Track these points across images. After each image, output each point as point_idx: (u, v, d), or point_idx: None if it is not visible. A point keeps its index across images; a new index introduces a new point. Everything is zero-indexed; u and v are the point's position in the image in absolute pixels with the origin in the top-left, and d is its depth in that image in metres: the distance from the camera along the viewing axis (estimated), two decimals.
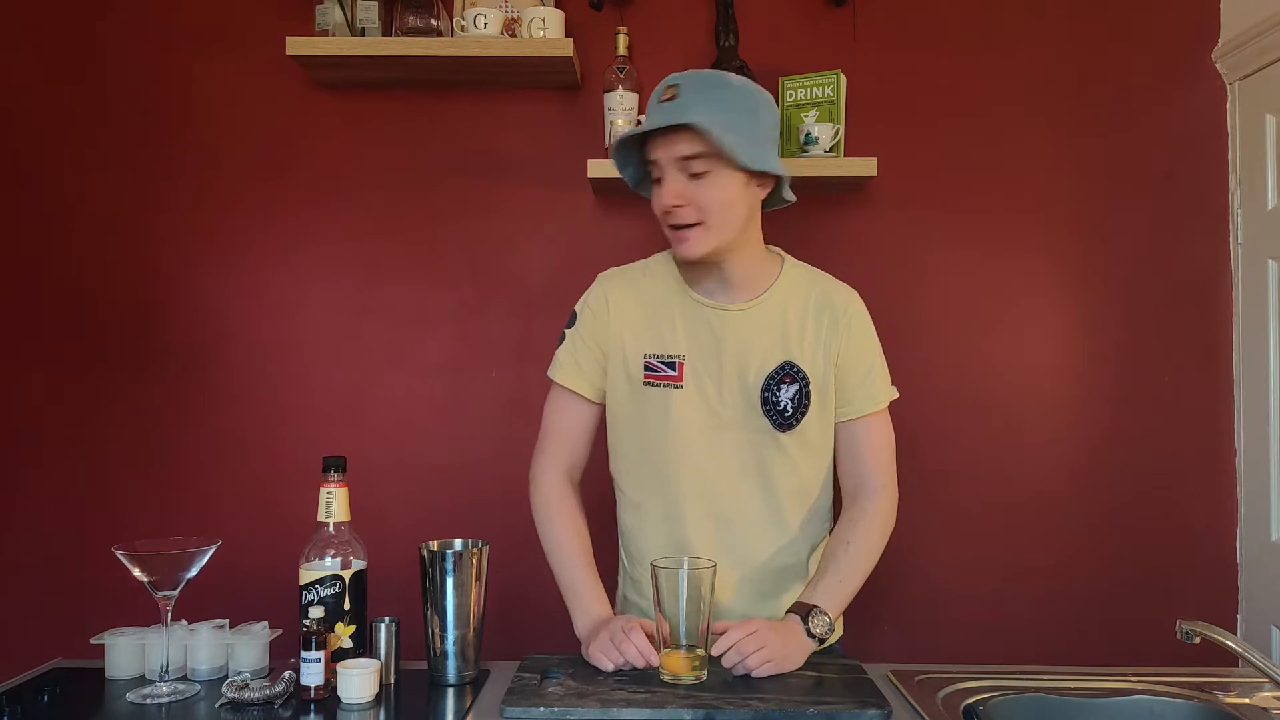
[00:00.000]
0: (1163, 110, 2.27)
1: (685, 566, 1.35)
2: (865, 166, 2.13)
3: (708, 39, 2.27)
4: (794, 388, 1.49)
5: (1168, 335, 2.27)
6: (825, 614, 1.43)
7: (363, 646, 1.42)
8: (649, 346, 1.52)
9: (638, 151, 1.47)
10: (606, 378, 1.56)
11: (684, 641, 1.34)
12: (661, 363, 1.51)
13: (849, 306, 1.55)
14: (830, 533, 1.59)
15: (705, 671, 1.35)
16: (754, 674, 1.36)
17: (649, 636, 1.39)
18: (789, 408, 1.49)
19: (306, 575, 1.41)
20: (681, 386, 1.50)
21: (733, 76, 1.44)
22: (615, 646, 1.38)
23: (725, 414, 1.50)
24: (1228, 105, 2.27)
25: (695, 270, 1.51)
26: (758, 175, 1.44)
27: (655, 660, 1.36)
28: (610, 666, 1.38)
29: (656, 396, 1.51)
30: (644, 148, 1.45)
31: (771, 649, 1.36)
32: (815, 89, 2.19)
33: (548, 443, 1.60)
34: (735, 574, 1.52)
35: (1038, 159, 2.28)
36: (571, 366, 1.57)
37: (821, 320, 1.53)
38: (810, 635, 1.42)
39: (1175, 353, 2.27)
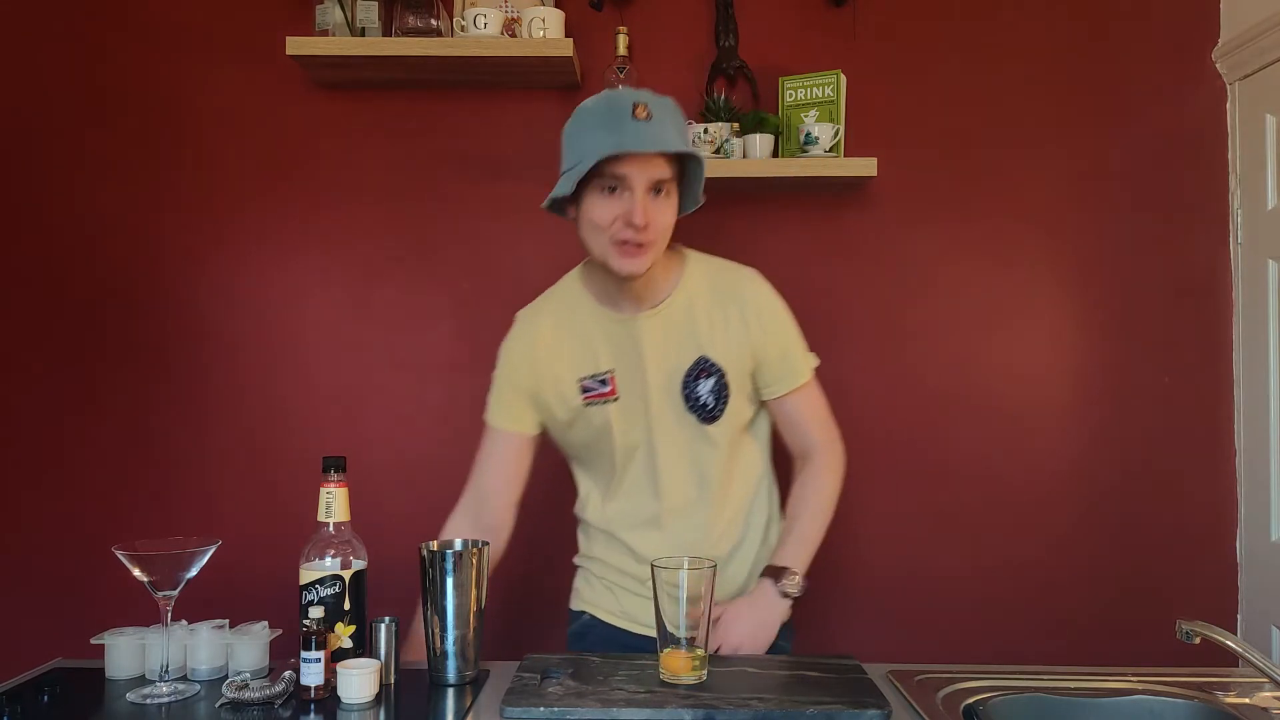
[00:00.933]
0: (1163, 110, 2.28)
1: (685, 567, 1.35)
2: (865, 166, 2.13)
3: (708, 39, 2.27)
4: (711, 380, 1.55)
5: (1168, 335, 2.27)
6: (795, 573, 1.54)
7: (363, 646, 1.42)
8: (581, 369, 1.57)
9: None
10: (539, 411, 1.62)
11: (684, 641, 1.34)
12: (596, 380, 1.57)
13: (755, 294, 1.59)
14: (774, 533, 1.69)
15: (705, 671, 1.35)
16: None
17: None
18: (709, 400, 1.55)
19: (306, 575, 1.41)
20: (617, 399, 1.56)
21: (671, 100, 1.48)
22: None
23: (657, 416, 1.56)
24: (1228, 105, 2.27)
25: (605, 286, 1.56)
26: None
27: None
28: None
29: (597, 413, 1.58)
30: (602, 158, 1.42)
31: (738, 637, 1.48)
32: (815, 89, 2.19)
33: (465, 492, 1.68)
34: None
35: (1037, 159, 2.29)
36: (500, 409, 1.65)
37: (729, 312, 1.56)
38: (785, 595, 1.52)
39: (1175, 353, 2.27)
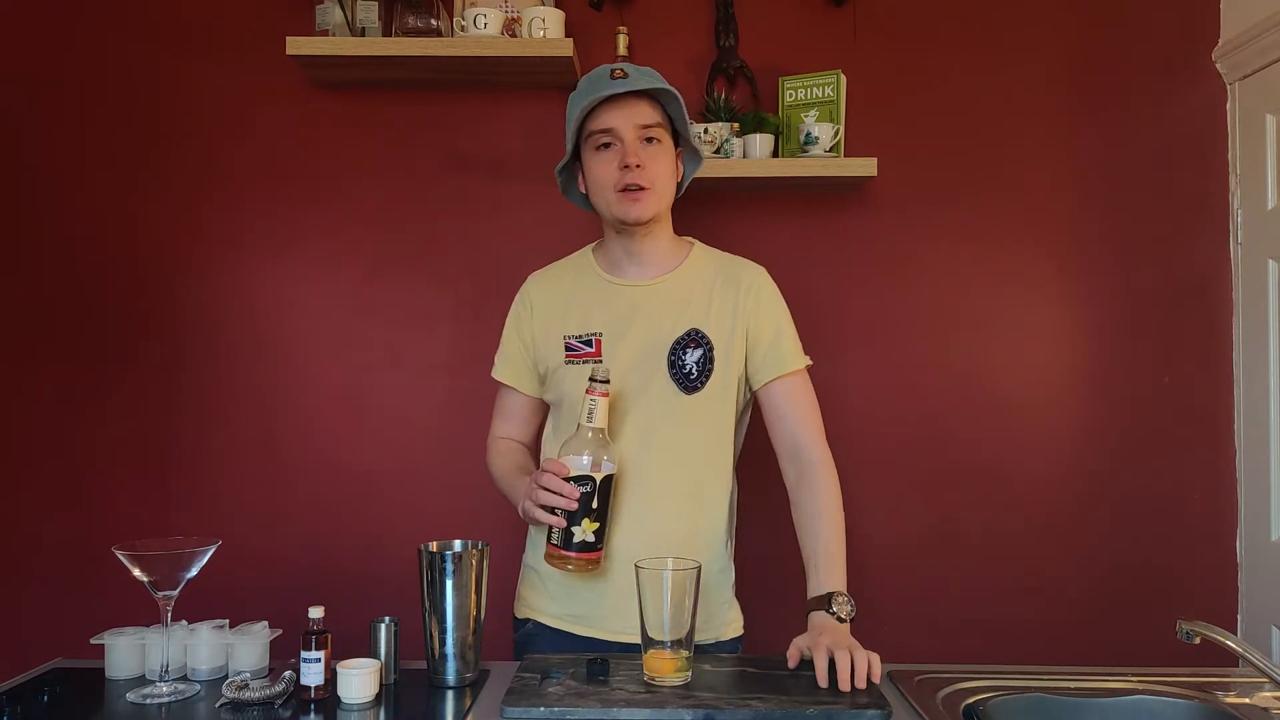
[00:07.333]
0: (1163, 110, 2.28)
1: (669, 568, 1.34)
2: (865, 166, 2.13)
3: (708, 39, 2.27)
4: (699, 352, 1.58)
5: (1168, 335, 2.27)
6: (842, 595, 1.48)
7: (602, 543, 1.47)
8: (570, 329, 1.63)
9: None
10: (536, 371, 1.68)
11: (668, 643, 1.34)
12: (580, 341, 1.62)
13: (754, 279, 1.64)
14: (733, 521, 1.67)
15: (690, 672, 1.35)
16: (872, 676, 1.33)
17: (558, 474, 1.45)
18: (694, 370, 1.58)
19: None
20: (599, 361, 1.59)
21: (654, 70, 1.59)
22: (537, 490, 1.45)
23: (635, 380, 1.58)
24: (1228, 105, 2.27)
25: (613, 255, 1.65)
26: (678, 156, 1.62)
27: (564, 470, 1.44)
28: (540, 514, 1.45)
29: (575, 372, 1.60)
30: (584, 122, 1.55)
31: (858, 649, 1.35)
32: (815, 89, 2.19)
33: (494, 423, 1.78)
34: (636, 538, 1.55)
35: (1037, 159, 2.29)
36: (504, 365, 1.73)
37: (728, 292, 1.62)
38: (840, 621, 1.46)
39: (1175, 353, 2.27)
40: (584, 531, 1.44)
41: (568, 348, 1.62)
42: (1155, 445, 2.27)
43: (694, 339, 1.58)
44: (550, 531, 1.46)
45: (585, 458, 1.45)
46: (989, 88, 2.29)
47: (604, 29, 2.23)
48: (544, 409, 1.72)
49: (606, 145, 1.54)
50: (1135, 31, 2.28)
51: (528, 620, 1.66)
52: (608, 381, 1.46)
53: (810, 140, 2.14)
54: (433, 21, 2.12)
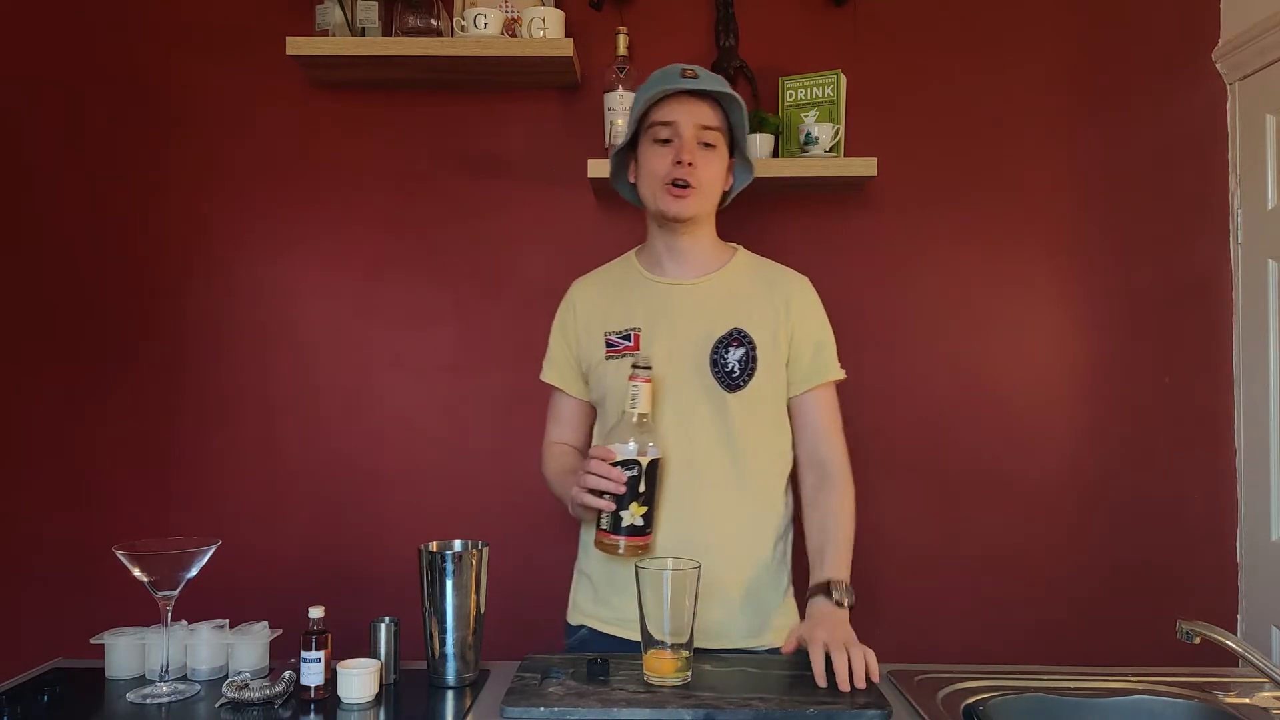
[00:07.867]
0: (1163, 110, 2.28)
1: (669, 568, 1.34)
2: (865, 166, 2.13)
3: (708, 39, 2.27)
4: (741, 350, 1.60)
5: (1168, 335, 2.27)
6: (843, 582, 1.51)
7: (650, 528, 1.48)
8: (610, 326, 1.65)
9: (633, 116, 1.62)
10: (580, 370, 1.70)
11: (669, 643, 1.34)
12: (619, 337, 1.64)
13: (800, 289, 1.68)
14: (789, 519, 1.68)
15: (690, 672, 1.35)
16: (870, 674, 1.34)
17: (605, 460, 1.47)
18: (736, 369, 1.59)
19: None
20: (637, 354, 1.61)
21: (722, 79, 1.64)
22: (585, 475, 1.47)
23: (675, 376, 1.59)
24: (1228, 105, 2.27)
25: (656, 254, 1.67)
26: (730, 166, 1.66)
27: (611, 456, 1.46)
28: (588, 499, 1.46)
29: (614, 367, 1.62)
30: (646, 113, 1.60)
31: (855, 645, 1.37)
32: (815, 89, 2.19)
33: (547, 428, 1.78)
34: (678, 536, 1.55)
35: (1037, 159, 2.29)
36: (550, 368, 1.75)
37: (773, 298, 1.64)
38: (840, 606, 1.47)
39: (1175, 353, 2.27)
40: (632, 515, 1.46)
41: (608, 343, 1.64)
42: (1155, 445, 2.27)
43: (737, 338, 1.60)
44: (600, 517, 1.47)
45: (631, 443, 1.46)
46: (989, 88, 2.29)
47: (604, 29, 2.23)
48: (594, 412, 1.73)
49: (665, 140, 1.58)
50: (1135, 31, 2.28)
51: (581, 626, 1.67)
52: (650, 368, 1.49)
53: (810, 140, 2.14)
54: (433, 21, 2.12)
